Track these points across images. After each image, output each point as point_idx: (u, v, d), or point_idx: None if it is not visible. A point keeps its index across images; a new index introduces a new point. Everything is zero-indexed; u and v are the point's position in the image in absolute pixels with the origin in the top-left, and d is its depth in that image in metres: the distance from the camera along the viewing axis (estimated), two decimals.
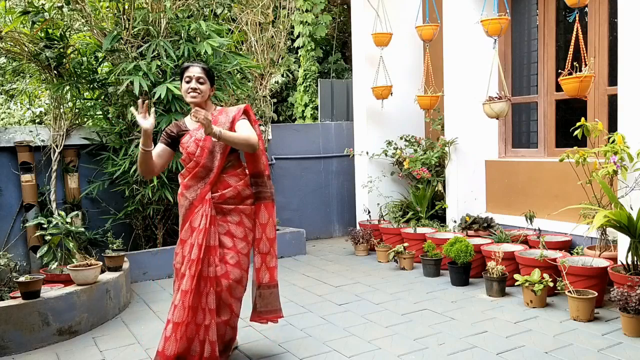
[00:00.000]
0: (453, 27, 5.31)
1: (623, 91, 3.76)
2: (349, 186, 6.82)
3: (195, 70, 2.88)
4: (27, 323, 3.39)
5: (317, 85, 7.80)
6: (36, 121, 5.56)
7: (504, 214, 5.21)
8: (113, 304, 3.99)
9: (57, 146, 5.05)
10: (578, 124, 3.96)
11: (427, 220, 5.55)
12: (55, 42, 4.83)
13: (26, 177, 4.88)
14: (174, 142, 3.00)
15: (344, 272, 5.08)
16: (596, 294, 3.57)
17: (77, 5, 4.74)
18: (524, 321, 3.57)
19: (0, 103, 5.98)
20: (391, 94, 5.88)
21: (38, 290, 3.50)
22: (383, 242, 5.50)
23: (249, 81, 5.66)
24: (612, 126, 4.33)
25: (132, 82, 4.53)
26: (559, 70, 4.16)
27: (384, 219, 5.86)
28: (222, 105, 5.31)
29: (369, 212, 6.05)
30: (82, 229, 4.48)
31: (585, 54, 4.01)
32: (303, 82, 8.37)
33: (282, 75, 8.49)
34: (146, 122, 2.71)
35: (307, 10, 8.27)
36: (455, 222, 5.33)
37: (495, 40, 4.58)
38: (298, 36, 8.47)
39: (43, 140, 5.03)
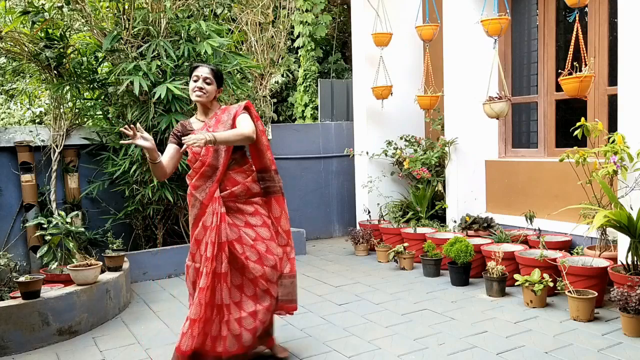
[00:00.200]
0: (453, 27, 5.31)
1: (623, 91, 3.76)
2: (349, 186, 6.82)
3: (203, 71, 2.95)
4: (27, 323, 3.39)
5: (317, 85, 7.80)
6: (36, 121, 5.56)
7: (504, 214, 5.21)
8: (113, 304, 3.99)
9: (57, 146, 5.05)
10: (578, 124, 3.96)
11: (427, 220, 5.55)
12: (55, 42, 4.83)
13: (26, 177, 4.88)
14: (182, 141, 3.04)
15: (344, 272, 5.08)
16: (596, 294, 3.57)
17: (77, 5, 4.74)
18: (524, 321, 3.57)
19: (0, 103, 5.98)
20: (391, 94, 5.88)
21: (38, 290, 3.50)
22: (383, 242, 5.51)
23: (249, 81, 5.66)
24: (612, 126, 4.33)
25: (132, 82, 4.53)
26: (559, 70, 4.16)
27: (384, 219, 5.86)
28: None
29: (369, 212, 6.05)
30: (82, 229, 4.48)
31: (585, 54, 4.01)
32: (303, 82, 8.38)
33: (282, 75, 8.49)
34: (145, 142, 2.74)
35: (307, 10, 8.27)
36: (455, 222, 5.33)
37: (496, 40, 4.58)
38: (298, 36, 8.47)
39: (43, 140, 5.03)
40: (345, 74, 8.78)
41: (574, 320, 3.54)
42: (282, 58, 6.56)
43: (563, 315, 3.64)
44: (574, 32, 3.99)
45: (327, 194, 6.85)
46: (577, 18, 3.95)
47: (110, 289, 3.96)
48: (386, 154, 6.05)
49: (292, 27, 8.19)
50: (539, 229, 4.48)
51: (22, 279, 3.53)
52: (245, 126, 2.87)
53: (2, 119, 5.86)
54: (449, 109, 5.42)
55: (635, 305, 3.16)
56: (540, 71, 5.12)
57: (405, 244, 5.07)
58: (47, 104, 5.55)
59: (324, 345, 3.28)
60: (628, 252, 3.53)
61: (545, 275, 3.82)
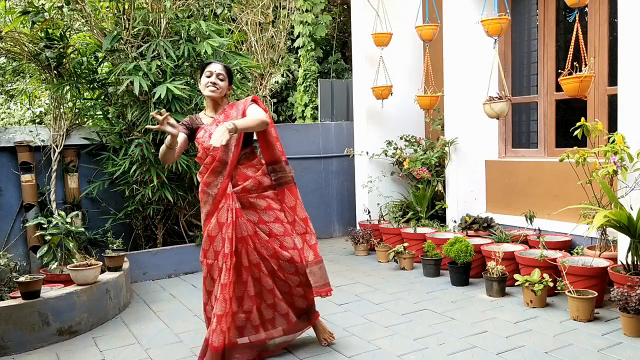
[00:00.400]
0: (453, 27, 5.31)
1: (623, 91, 3.76)
2: (349, 186, 6.82)
3: (216, 67, 3.05)
4: (27, 323, 3.39)
5: (317, 85, 7.80)
6: (36, 121, 5.56)
7: (504, 214, 5.21)
8: (113, 304, 3.99)
9: (57, 146, 5.05)
10: (578, 124, 3.96)
11: (427, 220, 5.54)
12: (55, 42, 4.83)
13: (26, 177, 4.88)
14: (191, 132, 3.09)
15: (344, 272, 5.08)
16: (596, 294, 3.57)
17: (77, 5, 4.74)
18: (524, 321, 3.57)
19: (0, 103, 5.98)
20: (391, 94, 5.88)
21: (38, 290, 3.50)
22: (383, 242, 5.51)
23: (249, 81, 5.66)
24: (612, 126, 4.33)
25: (132, 82, 4.53)
26: (559, 70, 4.16)
27: (384, 219, 5.86)
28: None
29: (369, 212, 6.05)
30: (82, 229, 4.48)
31: (585, 54, 4.01)
32: (303, 82, 8.38)
33: (282, 75, 8.50)
34: (172, 128, 2.79)
35: (307, 10, 8.27)
36: (455, 222, 5.33)
37: (496, 40, 4.58)
38: (298, 36, 8.47)
39: (43, 140, 5.03)
40: (345, 74, 8.79)
41: (574, 320, 3.54)
42: (282, 58, 6.56)
43: (563, 315, 3.64)
44: (574, 32, 3.99)
45: (327, 194, 6.84)
46: (577, 18, 3.95)
47: (110, 289, 3.96)
48: (386, 154, 6.05)
49: (292, 27, 8.19)
50: (539, 229, 4.48)
51: (22, 279, 3.53)
52: (259, 113, 2.95)
53: (2, 119, 5.86)
54: (449, 109, 5.42)
55: (635, 305, 3.16)
56: (540, 71, 5.12)
57: (405, 244, 5.07)
58: (47, 104, 5.55)
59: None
60: (628, 252, 3.53)
61: (545, 275, 3.82)
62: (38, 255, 4.36)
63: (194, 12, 5.11)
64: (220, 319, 2.89)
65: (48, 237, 4.23)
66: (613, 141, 3.75)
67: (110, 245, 4.30)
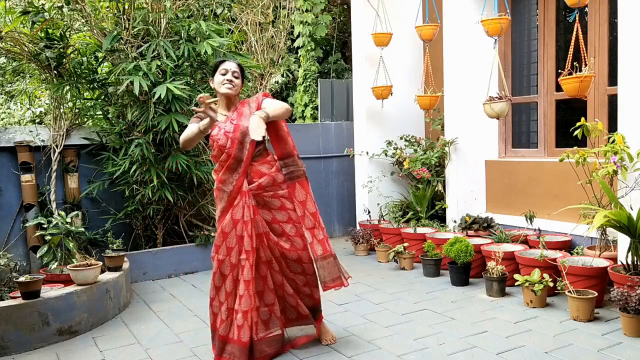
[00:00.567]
0: (453, 27, 5.31)
1: (623, 91, 3.76)
2: (349, 186, 6.81)
3: (231, 65, 3.10)
4: (27, 323, 3.39)
5: (317, 85, 7.80)
6: (36, 121, 5.56)
7: (504, 214, 5.21)
8: (113, 304, 3.99)
9: (57, 146, 5.05)
10: (578, 124, 3.96)
11: (427, 220, 5.54)
12: (55, 42, 4.83)
13: (26, 177, 4.88)
14: None
15: None
16: (596, 294, 3.57)
17: (77, 5, 4.74)
18: (524, 321, 3.57)
19: (0, 103, 5.98)
20: (391, 94, 5.88)
21: (38, 290, 3.50)
22: (383, 242, 5.51)
23: (249, 81, 5.66)
24: (612, 126, 4.33)
25: (132, 82, 4.53)
26: (559, 70, 4.16)
27: (384, 219, 5.86)
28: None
29: (369, 212, 6.05)
30: (82, 229, 4.48)
31: (585, 54, 4.01)
32: (303, 82, 8.38)
33: (282, 75, 8.50)
34: (213, 113, 2.86)
35: (307, 10, 8.27)
36: (455, 222, 5.33)
37: (496, 40, 4.58)
38: (298, 36, 8.47)
39: (43, 140, 5.03)
40: (345, 74, 8.79)
41: (574, 320, 3.54)
42: (282, 58, 6.55)
43: (563, 315, 3.64)
44: (574, 32, 3.99)
45: (327, 194, 6.84)
46: (577, 18, 3.95)
47: (110, 289, 3.96)
48: (386, 154, 6.05)
49: (292, 27, 8.19)
50: (539, 229, 4.48)
51: (22, 279, 3.53)
52: (280, 102, 3.05)
53: (2, 119, 5.86)
54: (449, 109, 5.42)
55: (635, 305, 3.16)
56: (540, 71, 5.12)
57: (405, 244, 5.07)
58: (47, 104, 5.55)
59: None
60: (628, 252, 3.53)
61: (545, 275, 3.82)
62: (38, 255, 4.36)
63: (194, 12, 5.11)
64: (246, 315, 2.97)
65: (48, 237, 4.23)
66: (613, 141, 3.75)
67: (110, 245, 4.30)
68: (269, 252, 3.10)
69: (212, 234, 5.28)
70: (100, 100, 5.18)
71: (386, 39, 5.83)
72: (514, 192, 5.17)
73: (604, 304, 3.78)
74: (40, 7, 4.68)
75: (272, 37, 6.24)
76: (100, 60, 5.15)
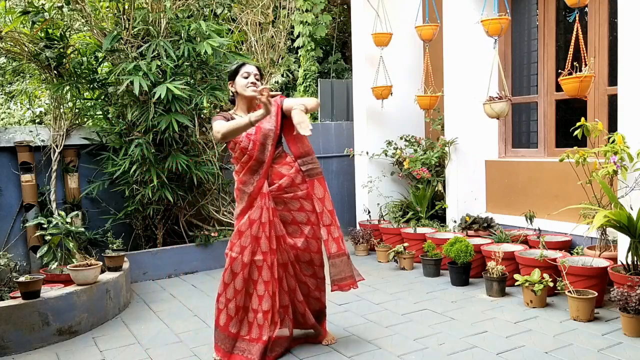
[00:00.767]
0: (453, 27, 5.31)
1: (623, 91, 3.76)
2: (349, 186, 6.82)
3: (252, 68, 3.15)
4: (27, 323, 3.39)
5: (317, 85, 7.80)
6: (36, 121, 5.55)
7: (504, 214, 5.21)
8: (113, 304, 3.99)
9: (57, 146, 5.05)
10: (578, 124, 3.96)
11: (427, 220, 5.54)
12: (55, 42, 4.83)
13: (26, 177, 4.88)
14: None
15: None
16: (596, 294, 3.57)
17: (77, 5, 4.74)
18: (524, 321, 3.57)
19: (0, 103, 5.98)
20: (391, 94, 5.88)
21: (38, 290, 3.50)
22: (383, 242, 5.51)
23: None
24: (612, 126, 4.33)
25: (132, 82, 4.53)
26: (559, 70, 4.16)
27: (384, 219, 5.86)
28: (221, 105, 5.34)
29: (369, 212, 6.05)
30: (82, 229, 4.48)
31: (585, 54, 4.01)
32: (303, 82, 8.38)
33: (282, 75, 8.50)
34: (270, 105, 2.82)
35: (307, 10, 8.27)
36: (455, 222, 5.33)
37: (496, 40, 4.58)
38: (298, 36, 8.47)
39: (43, 140, 5.03)
40: (345, 74, 8.79)
41: (574, 320, 3.54)
42: (282, 58, 6.55)
43: (563, 315, 3.64)
44: (574, 32, 3.99)
45: None
46: (577, 18, 3.95)
47: (110, 289, 3.96)
48: (386, 154, 6.05)
49: (292, 27, 8.19)
50: (539, 229, 4.48)
51: (22, 279, 3.53)
52: (305, 98, 3.12)
53: (2, 119, 5.86)
54: (449, 109, 5.42)
55: (635, 305, 3.16)
56: (540, 71, 5.12)
57: (405, 244, 5.07)
58: (47, 104, 5.55)
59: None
60: (628, 252, 3.53)
61: (545, 275, 3.82)
62: (38, 255, 4.36)
63: (194, 12, 5.11)
64: (266, 315, 3.04)
65: (48, 237, 4.23)
66: (613, 141, 3.75)
67: (110, 245, 4.30)
68: (285, 255, 3.14)
69: (212, 234, 5.29)
70: (100, 100, 5.18)
71: (386, 39, 5.83)
72: (514, 192, 5.17)
73: (604, 304, 3.78)
74: (40, 7, 4.68)
75: (272, 37, 6.24)
76: (100, 60, 5.15)
